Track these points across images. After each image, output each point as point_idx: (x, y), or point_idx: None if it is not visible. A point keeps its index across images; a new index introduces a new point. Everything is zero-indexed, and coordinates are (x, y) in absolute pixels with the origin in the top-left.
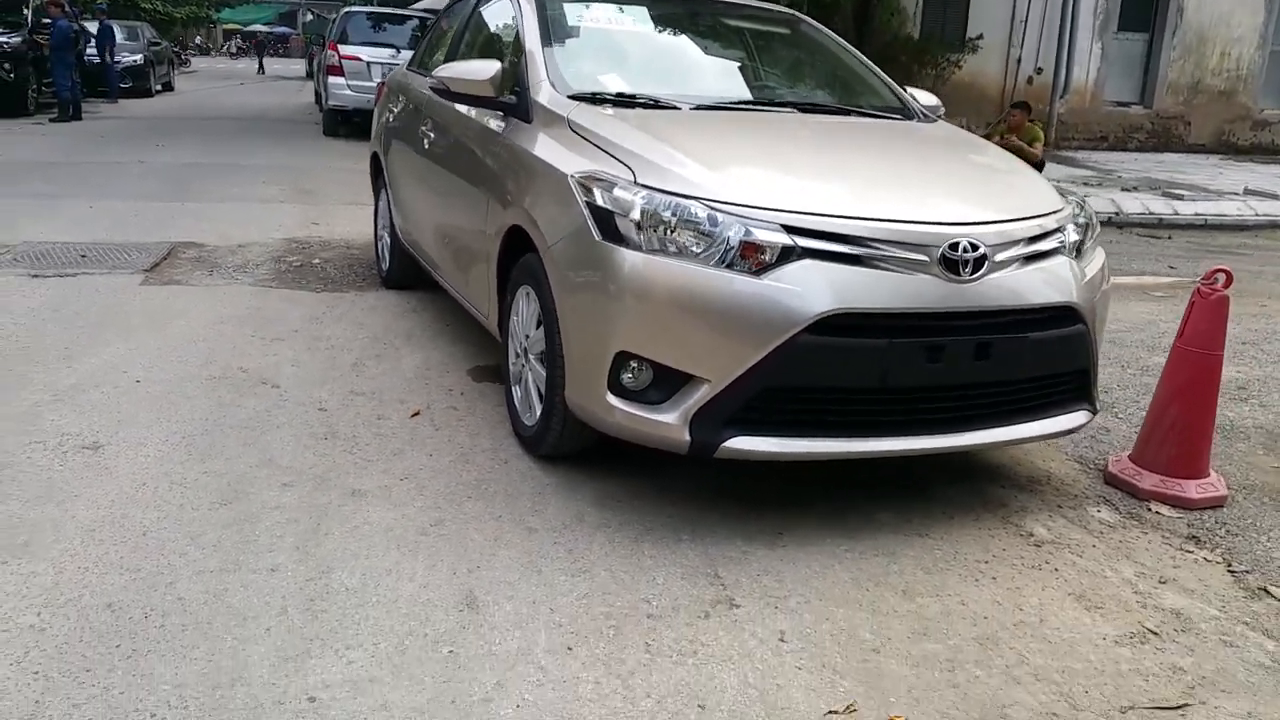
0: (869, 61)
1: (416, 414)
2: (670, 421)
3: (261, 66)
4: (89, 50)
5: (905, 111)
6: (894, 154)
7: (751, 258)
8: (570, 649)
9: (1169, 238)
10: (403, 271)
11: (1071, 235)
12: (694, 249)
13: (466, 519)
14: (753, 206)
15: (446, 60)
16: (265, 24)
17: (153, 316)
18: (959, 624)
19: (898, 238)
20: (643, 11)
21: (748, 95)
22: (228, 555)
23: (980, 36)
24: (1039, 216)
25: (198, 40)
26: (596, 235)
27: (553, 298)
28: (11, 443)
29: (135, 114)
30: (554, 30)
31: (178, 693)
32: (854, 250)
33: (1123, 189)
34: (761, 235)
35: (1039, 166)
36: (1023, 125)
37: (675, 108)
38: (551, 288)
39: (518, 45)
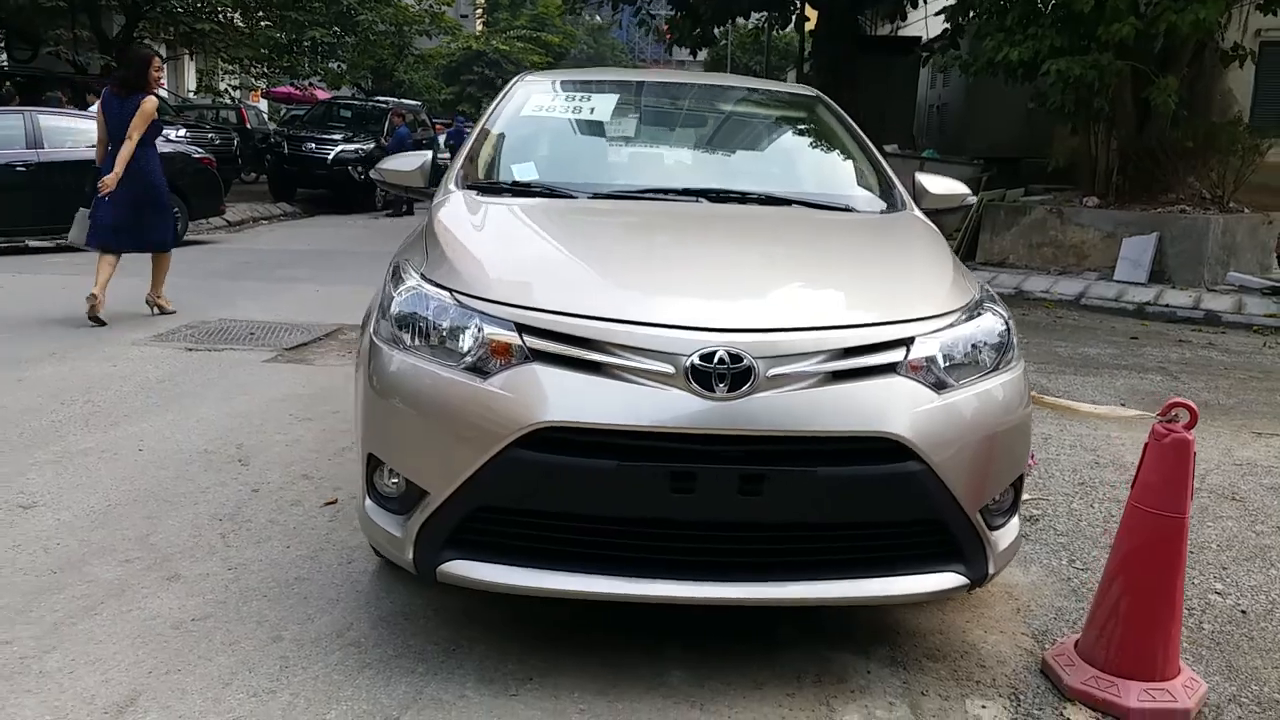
0: (872, 149)
1: (330, 503)
2: (398, 535)
3: None
4: (442, 155)
5: (889, 201)
6: (755, 249)
7: (502, 358)
8: None
9: None
10: None
11: (931, 350)
12: (440, 345)
13: (231, 620)
14: (491, 301)
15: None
16: None
17: (227, 391)
18: None
19: (634, 342)
20: (627, 98)
21: (672, 184)
22: None
23: None
24: (866, 326)
25: None
26: (372, 324)
27: None
28: None
29: None
30: (510, 121)
31: None
32: (590, 355)
33: None
34: (494, 333)
35: None
36: None
37: (571, 196)
38: None
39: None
